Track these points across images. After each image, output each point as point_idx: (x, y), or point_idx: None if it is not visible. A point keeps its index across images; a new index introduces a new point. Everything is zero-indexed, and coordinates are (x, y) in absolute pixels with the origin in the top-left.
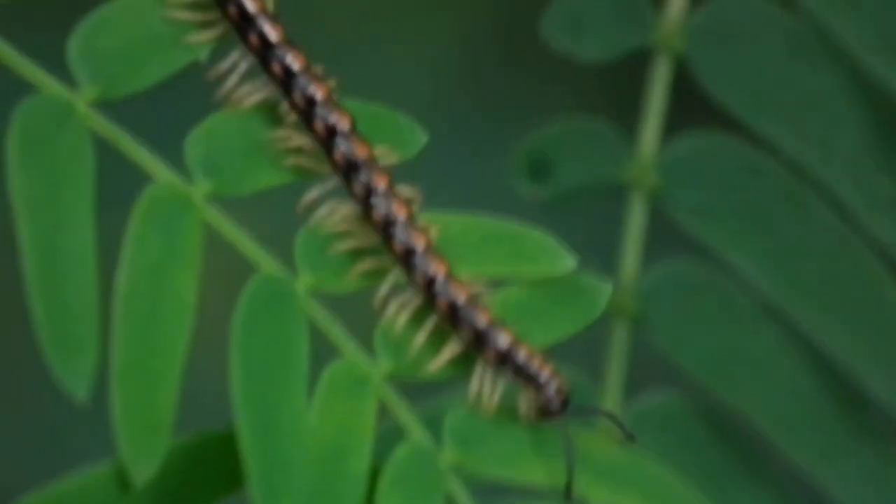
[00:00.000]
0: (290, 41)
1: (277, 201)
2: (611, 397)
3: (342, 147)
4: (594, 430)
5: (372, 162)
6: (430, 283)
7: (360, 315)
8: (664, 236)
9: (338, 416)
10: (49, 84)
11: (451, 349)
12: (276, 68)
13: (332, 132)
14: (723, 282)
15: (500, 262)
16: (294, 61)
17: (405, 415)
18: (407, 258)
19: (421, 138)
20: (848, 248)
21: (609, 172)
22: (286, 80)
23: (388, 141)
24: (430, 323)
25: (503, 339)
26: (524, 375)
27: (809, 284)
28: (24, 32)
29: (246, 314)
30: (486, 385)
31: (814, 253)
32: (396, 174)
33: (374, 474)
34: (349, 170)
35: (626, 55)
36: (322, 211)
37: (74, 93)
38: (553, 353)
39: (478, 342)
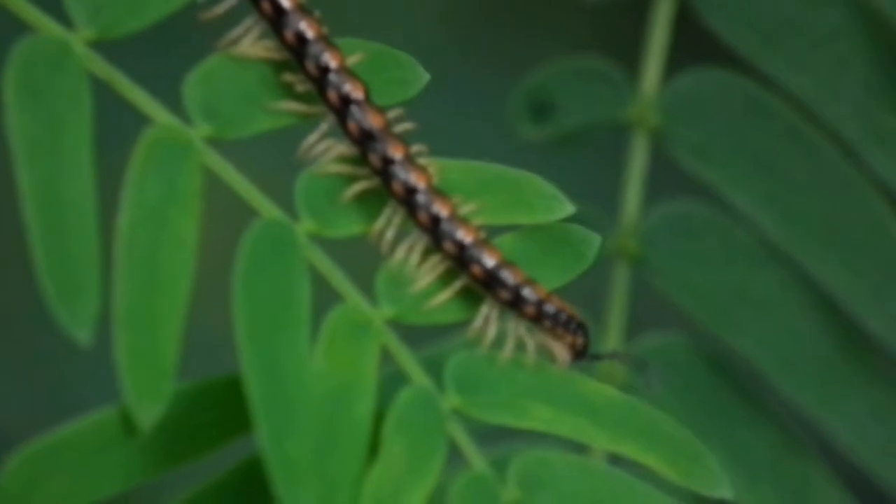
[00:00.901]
0: (303, 8)
1: (278, 146)
2: (612, 339)
3: (335, 84)
4: (593, 374)
5: (367, 101)
6: (435, 222)
7: (360, 261)
8: (666, 177)
9: (341, 360)
10: (46, 24)
11: (453, 288)
12: (289, 35)
13: (325, 70)
14: (725, 222)
15: (498, 207)
16: (308, 29)
17: (407, 359)
18: (409, 198)
19: (422, 76)
20: (851, 186)
21: (611, 112)
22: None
23: (389, 80)
24: (434, 265)
25: (514, 279)
26: (541, 316)
27: (812, 223)
28: None
29: (248, 259)
30: (491, 326)
31: (817, 192)
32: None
33: (378, 418)
34: (343, 108)
35: None
36: (318, 149)
37: (72, 33)
38: (554, 292)
39: (488, 283)
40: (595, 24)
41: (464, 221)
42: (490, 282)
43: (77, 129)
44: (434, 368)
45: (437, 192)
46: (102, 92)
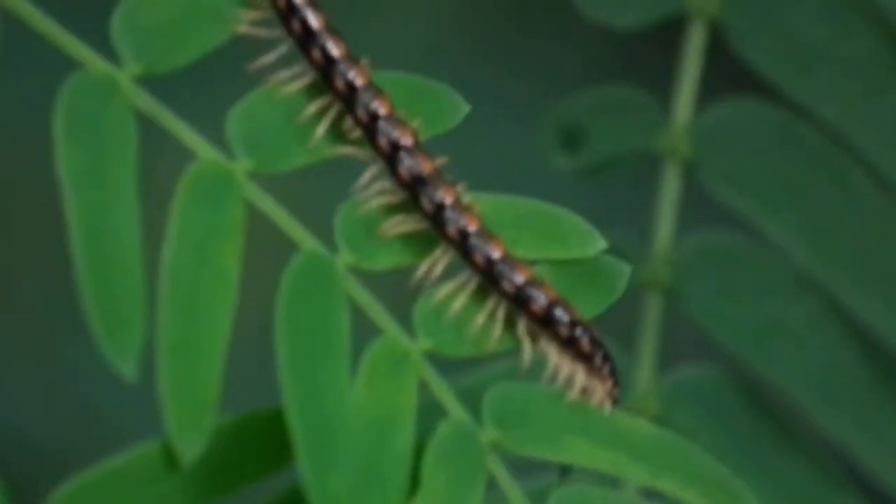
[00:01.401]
0: (332, 28)
1: (318, 180)
2: (644, 370)
3: (385, 131)
4: (625, 405)
5: (416, 147)
6: (488, 264)
7: (395, 293)
8: (698, 206)
9: (380, 393)
10: (94, 60)
11: (489, 314)
12: (317, 56)
13: (374, 117)
14: (758, 252)
15: (533, 242)
16: (357, 77)
17: (445, 392)
18: (462, 241)
19: (462, 109)
20: (883, 215)
21: (643, 141)
22: (326, 67)
23: (428, 112)
24: (488, 305)
25: (567, 318)
26: (587, 358)
27: (845, 254)
28: (68, 10)
29: (288, 292)
30: (553, 361)
31: (850, 222)
32: (432, 147)
33: (416, 451)
34: (393, 154)
35: (661, 21)
36: (371, 191)
37: (118, 69)
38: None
39: (544, 322)
40: (626, 53)
41: (515, 260)
42: (546, 320)
43: (123, 164)
44: (469, 398)
45: (488, 233)
46: (148, 126)
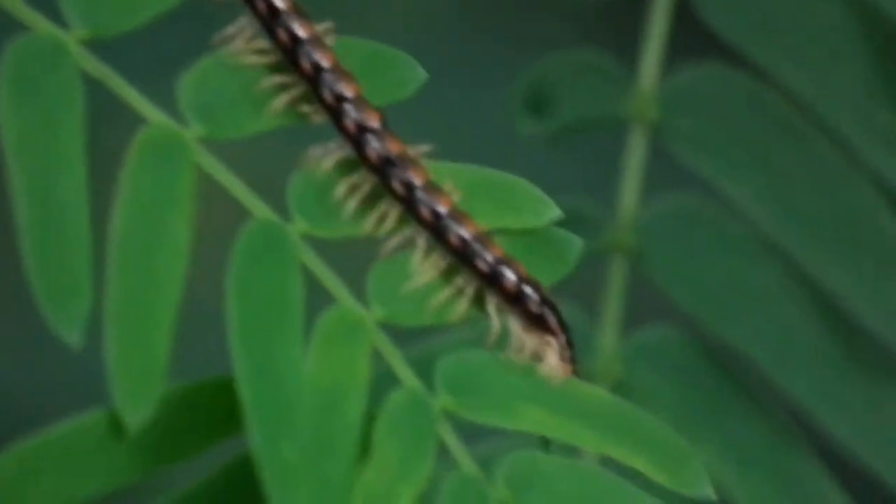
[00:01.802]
0: (317, 36)
1: (271, 148)
2: (608, 333)
3: (352, 114)
4: (588, 371)
5: (384, 129)
6: (462, 243)
7: (350, 262)
8: (664, 171)
9: (333, 362)
10: (40, 23)
11: (453, 288)
12: (282, 35)
13: (340, 98)
14: (722, 217)
15: (485, 211)
16: (323, 59)
17: (398, 361)
18: (435, 221)
19: (419, 75)
20: (847, 181)
21: (609, 106)
22: (292, 47)
23: (385, 79)
24: (432, 266)
25: (515, 276)
26: (536, 318)
27: (808, 218)
28: None
29: (241, 259)
30: (496, 323)
31: (813, 187)
32: (393, 113)
33: (369, 419)
34: (337, 105)
35: None
36: (315, 151)
37: (66, 32)
38: (550, 288)
39: (489, 277)
40: (593, 18)
41: (487, 237)
42: (516, 297)
43: (70, 128)
44: (423, 368)
45: (460, 212)
46: (97, 91)
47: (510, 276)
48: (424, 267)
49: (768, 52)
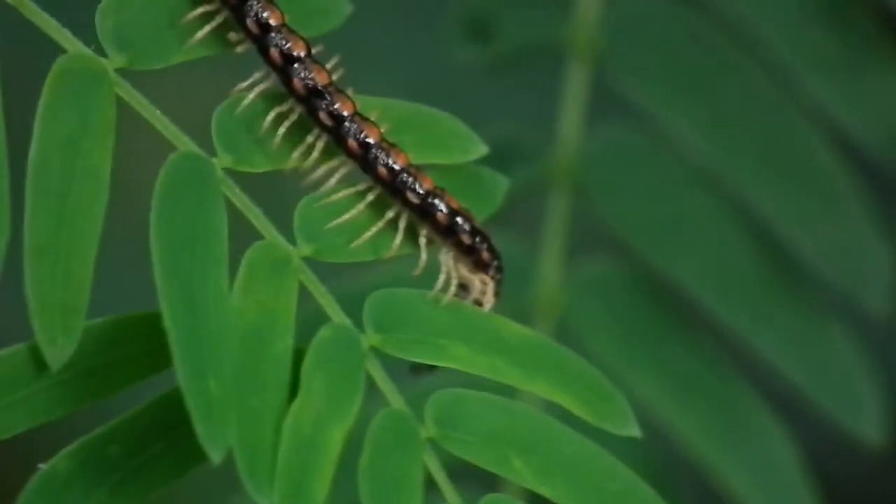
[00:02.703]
0: None
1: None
2: (550, 264)
3: (278, 43)
4: (531, 304)
5: (286, 28)
6: (391, 174)
7: (277, 199)
8: (604, 101)
9: (259, 297)
10: None
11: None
12: None
13: (266, 27)
14: (661, 148)
15: (413, 146)
16: None
17: (325, 297)
18: (363, 152)
19: (344, 8)
20: (783, 112)
21: (549, 33)
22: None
23: (311, 10)
24: (387, 214)
25: (447, 208)
26: (483, 266)
27: (745, 149)
28: None
29: (164, 192)
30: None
31: (750, 117)
32: (338, 43)
33: (298, 357)
34: (262, 34)
35: None
36: (242, 84)
37: None
38: (493, 219)
39: (421, 210)
40: None
41: (417, 169)
42: (448, 229)
43: None
44: (351, 305)
45: (389, 143)
46: (12, 19)
47: (442, 207)
48: (352, 201)
49: None
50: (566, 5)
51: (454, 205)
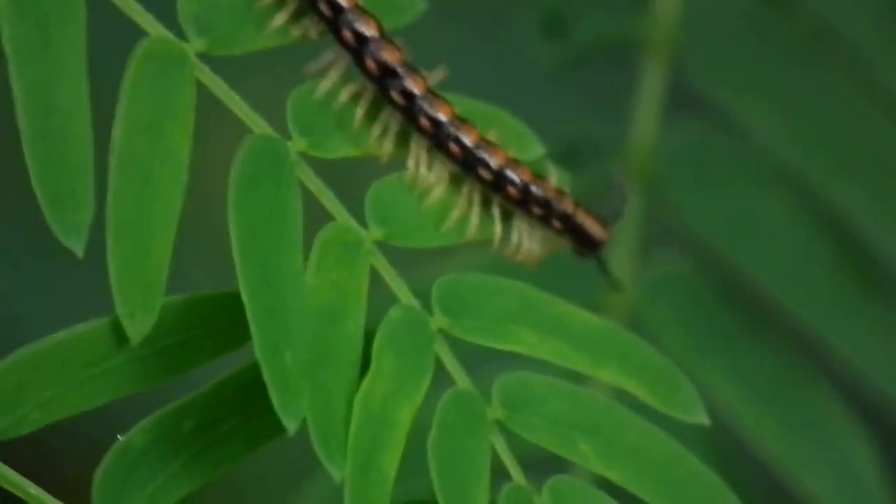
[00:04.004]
0: None
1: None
2: (622, 261)
3: (350, 23)
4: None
5: (383, 38)
6: (464, 151)
7: (350, 184)
8: (679, 99)
9: (332, 277)
10: None
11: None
12: None
13: (339, 10)
14: (737, 145)
15: None
16: None
17: (395, 281)
18: (435, 130)
19: (417, 4)
20: (863, 109)
21: (624, 31)
22: None
23: (387, 4)
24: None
25: (525, 179)
26: (557, 214)
27: (824, 146)
28: None
29: (240, 174)
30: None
31: (829, 114)
32: (410, 40)
33: (368, 338)
34: (335, 16)
35: None
36: (313, 65)
37: None
38: None
39: (496, 182)
40: None
41: (489, 144)
42: (497, 182)
43: (70, 36)
44: (422, 295)
45: (461, 120)
46: (101, 4)
47: (515, 179)
48: (428, 182)
49: None
50: (642, 2)
51: (527, 176)
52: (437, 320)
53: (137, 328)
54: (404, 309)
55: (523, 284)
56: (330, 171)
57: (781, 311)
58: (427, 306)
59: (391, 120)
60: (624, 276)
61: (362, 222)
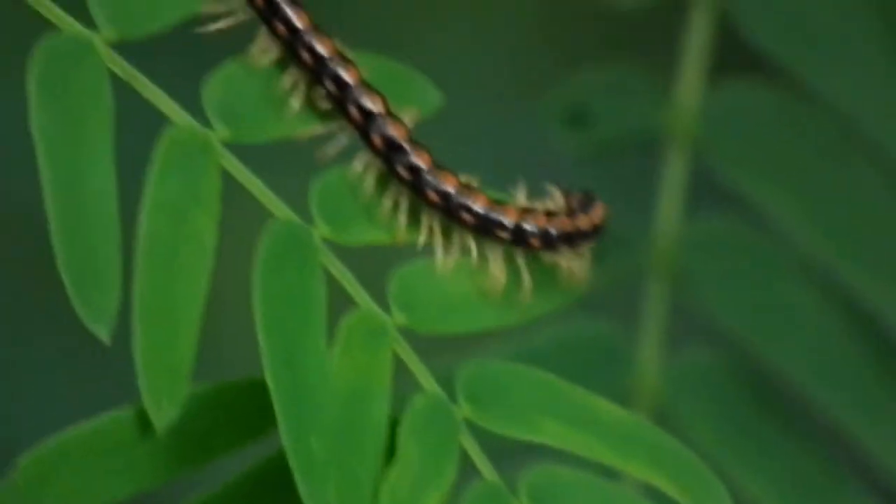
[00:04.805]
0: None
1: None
2: (648, 352)
3: (355, 99)
4: (627, 391)
5: (388, 113)
6: (475, 217)
7: (371, 270)
8: (703, 189)
9: (356, 363)
10: (69, 23)
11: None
12: (305, 56)
13: (343, 86)
14: (763, 237)
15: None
16: (321, 46)
17: (419, 368)
18: (444, 202)
19: (436, 98)
20: (889, 201)
21: (648, 121)
22: (315, 66)
23: (406, 99)
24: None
25: (541, 224)
26: (578, 236)
27: (849, 238)
28: None
29: (265, 259)
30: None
31: (854, 206)
32: (431, 128)
33: (393, 423)
34: (365, 122)
35: (668, 2)
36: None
37: (94, 32)
38: (589, 304)
39: (517, 236)
40: (629, 31)
41: (499, 203)
42: (518, 235)
43: (98, 126)
44: (447, 381)
45: (468, 188)
46: (126, 92)
47: (534, 227)
48: (445, 252)
49: (809, 66)
50: (665, 93)
51: (541, 220)
52: (462, 409)
53: (164, 417)
54: (428, 397)
55: (549, 374)
56: (352, 253)
57: (810, 406)
58: (451, 394)
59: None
60: (650, 368)
61: (385, 306)
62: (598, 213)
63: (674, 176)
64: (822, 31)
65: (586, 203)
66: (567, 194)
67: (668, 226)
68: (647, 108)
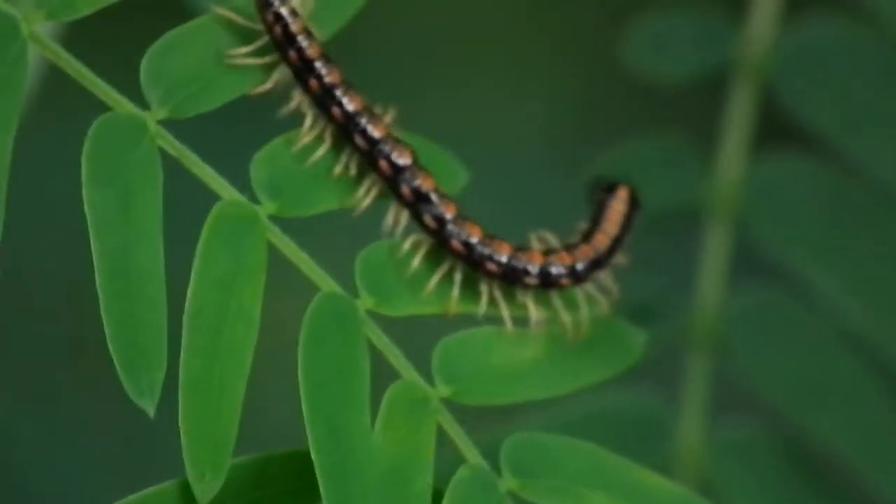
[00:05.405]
0: (347, 83)
1: (336, 226)
2: (690, 424)
3: (409, 180)
4: (671, 464)
5: (438, 192)
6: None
7: (415, 340)
8: (744, 261)
9: (400, 435)
10: (122, 103)
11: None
12: (336, 112)
13: (397, 168)
14: (805, 309)
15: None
16: (350, 103)
17: (462, 439)
18: (503, 272)
19: (463, 176)
20: None
21: (689, 195)
22: (345, 123)
23: (436, 175)
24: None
25: (568, 263)
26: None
27: (892, 310)
28: (99, 55)
29: (310, 331)
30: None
31: None
32: (468, 194)
33: (437, 497)
34: (417, 201)
35: (709, 76)
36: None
37: (146, 112)
38: (631, 375)
39: (544, 281)
40: (675, 103)
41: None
42: (545, 281)
43: (148, 203)
44: (491, 453)
45: (522, 252)
46: (175, 168)
47: (561, 269)
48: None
49: (851, 138)
50: (708, 164)
51: (568, 259)
52: (507, 482)
53: (207, 489)
54: (473, 469)
55: (594, 445)
56: (395, 321)
57: (854, 478)
58: (495, 466)
59: (455, 268)
60: (692, 439)
61: (428, 377)
62: (617, 210)
63: (716, 248)
64: (864, 104)
65: (609, 196)
66: (595, 193)
67: (710, 297)
68: (690, 180)
